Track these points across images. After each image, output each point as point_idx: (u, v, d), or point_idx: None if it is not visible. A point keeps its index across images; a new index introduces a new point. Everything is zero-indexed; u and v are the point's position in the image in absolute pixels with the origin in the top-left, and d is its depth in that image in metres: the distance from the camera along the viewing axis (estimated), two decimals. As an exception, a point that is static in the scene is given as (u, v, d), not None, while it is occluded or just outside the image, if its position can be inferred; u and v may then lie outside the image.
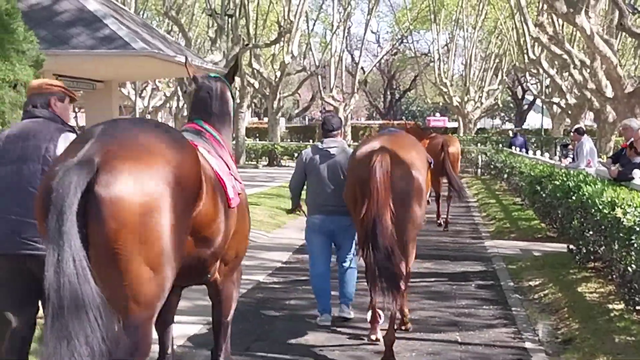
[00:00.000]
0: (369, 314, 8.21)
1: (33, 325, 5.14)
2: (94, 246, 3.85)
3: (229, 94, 5.66)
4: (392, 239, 7.01)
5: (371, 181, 7.10)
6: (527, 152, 28.00)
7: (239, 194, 5.15)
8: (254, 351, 7.58)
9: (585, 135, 17.77)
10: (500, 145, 39.54)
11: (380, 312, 8.00)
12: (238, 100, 42.18)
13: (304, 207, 9.03)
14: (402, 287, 7.30)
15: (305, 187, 8.89)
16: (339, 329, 8.49)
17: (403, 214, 7.33)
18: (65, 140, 5.01)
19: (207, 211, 4.52)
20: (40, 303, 5.09)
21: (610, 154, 19.90)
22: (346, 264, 8.74)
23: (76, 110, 64.55)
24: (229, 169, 5.14)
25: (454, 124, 55.51)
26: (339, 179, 8.37)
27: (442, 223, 17.68)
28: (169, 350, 5.44)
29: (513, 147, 32.03)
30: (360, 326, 8.59)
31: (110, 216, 3.84)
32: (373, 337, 7.89)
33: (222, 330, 5.53)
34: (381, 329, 7.90)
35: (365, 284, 7.56)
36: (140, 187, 3.92)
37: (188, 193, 4.21)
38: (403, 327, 8.33)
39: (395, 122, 63.97)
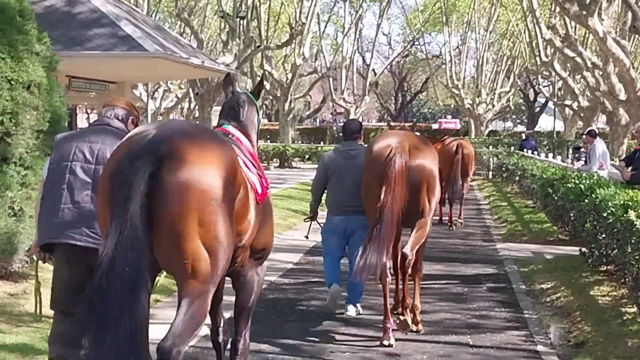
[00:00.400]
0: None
1: None
2: (159, 225, 4.35)
3: (254, 106, 6.10)
4: (392, 233, 7.70)
5: (389, 172, 7.65)
6: (538, 155, 28.16)
7: (266, 189, 5.55)
8: (265, 352, 7.58)
9: (598, 137, 17.72)
10: (512, 147, 39.44)
11: (391, 318, 8.13)
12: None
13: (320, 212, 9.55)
14: (418, 275, 8.41)
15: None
16: (350, 331, 8.48)
17: (416, 202, 7.94)
18: None
19: (242, 205, 4.97)
20: None
21: (623, 156, 19.84)
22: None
23: (88, 111, 64.78)
24: (256, 168, 5.51)
25: (453, 126, 55.16)
26: (358, 180, 8.52)
27: (449, 223, 18.08)
28: (221, 326, 5.84)
29: (525, 150, 32.38)
30: (372, 327, 8.59)
31: (177, 200, 4.34)
32: (386, 342, 7.97)
33: (243, 318, 5.80)
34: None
35: (377, 285, 8.06)
36: (202, 178, 4.41)
37: (233, 188, 4.71)
38: (415, 328, 8.46)
39: (407, 124, 64.01)
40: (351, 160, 8.84)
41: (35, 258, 6.22)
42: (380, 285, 8.04)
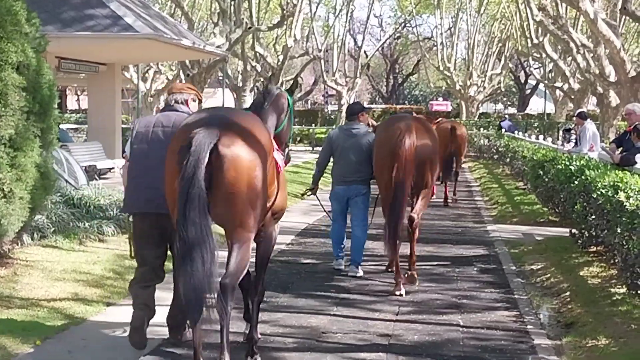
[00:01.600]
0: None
1: (163, 262, 6.99)
2: (218, 186, 5.69)
3: (283, 100, 7.16)
4: (405, 200, 9.46)
5: (400, 150, 9.22)
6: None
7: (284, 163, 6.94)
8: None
9: (588, 119, 17.74)
10: (503, 130, 39.51)
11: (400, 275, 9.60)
12: (240, 84, 42.17)
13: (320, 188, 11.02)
14: (416, 233, 9.99)
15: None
16: (342, 312, 8.51)
17: (422, 176, 9.61)
18: None
19: (271, 174, 6.26)
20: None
21: (613, 138, 19.87)
22: (357, 233, 10.53)
23: (78, 92, 64.56)
24: (277, 147, 6.72)
25: (444, 109, 55.14)
26: (359, 155, 10.21)
27: (444, 200, 19.08)
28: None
29: (502, 130, 35.14)
30: (364, 309, 8.64)
31: (233, 167, 5.70)
32: (398, 292, 9.32)
33: (262, 265, 7.03)
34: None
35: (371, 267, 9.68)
36: (250, 150, 5.79)
37: (267, 161, 6.03)
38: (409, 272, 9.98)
39: (398, 106, 63.96)
40: (353, 137, 10.28)
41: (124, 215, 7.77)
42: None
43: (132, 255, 7.12)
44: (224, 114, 6.09)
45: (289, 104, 7.25)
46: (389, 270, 10.41)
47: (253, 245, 6.37)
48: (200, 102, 7.42)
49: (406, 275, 9.83)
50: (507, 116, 44.07)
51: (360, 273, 10.35)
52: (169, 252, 6.95)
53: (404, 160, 9.23)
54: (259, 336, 7.06)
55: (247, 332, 6.91)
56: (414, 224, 9.89)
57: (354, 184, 10.32)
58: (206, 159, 5.52)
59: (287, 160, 7.33)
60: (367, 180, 10.39)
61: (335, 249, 10.86)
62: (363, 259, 10.65)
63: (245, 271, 6.08)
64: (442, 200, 19.05)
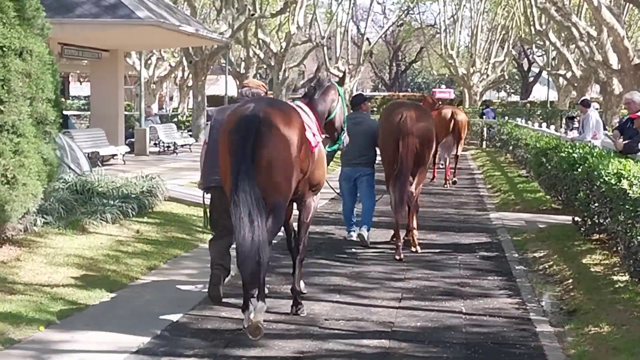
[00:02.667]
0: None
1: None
2: (259, 161, 6.82)
3: (334, 91, 8.54)
4: (408, 174, 10.77)
5: (403, 131, 10.63)
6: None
7: (317, 144, 7.84)
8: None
9: (592, 107, 17.71)
10: (506, 117, 39.49)
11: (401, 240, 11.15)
12: (243, 71, 42.09)
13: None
14: (414, 207, 11.33)
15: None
16: (345, 300, 8.52)
17: (422, 153, 10.91)
18: None
19: (304, 151, 7.41)
20: None
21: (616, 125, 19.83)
22: (366, 203, 11.98)
23: (81, 79, 64.50)
24: (310, 130, 7.71)
25: (447, 96, 55.14)
26: (363, 140, 11.54)
27: (445, 181, 20.52)
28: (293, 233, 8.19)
29: (484, 117, 37.28)
30: (365, 297, 8.66)
31: (272, 145, 6.90)
32: (397, 257, 10.74)
33: (304, 229, 8.09)
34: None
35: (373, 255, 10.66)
36: (283, 133, 6.99)
37: (300, 140, 7.24)
38: (413, 248, 11.31)
39: (401, 93, 63.86)
40: (358, 125, 11.38)
41: (201, 189, 8.69)
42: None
43: (207, 224, 8.49)
44: (265, 103, 7.30)
45: (339, 94, 8.63)
46: (393, 239, 11.48)
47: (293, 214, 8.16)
48: (266, 93, 8.82)
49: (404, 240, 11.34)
50: (487, 104, 45.04)
51: (365, 235, 11.63)
52: None
53: (406, 140, 10.62)
54: (301, 288, 8.26)
55: (291, 285, 8.04)
56: (412, 197, 11.21)
57: (360, 165, 11.80)
58: (250, 139, 6.76)
59: (341, 143, 8.91)
60: (372, 163, 11.97)
61: (347, 224, 12.34)
62: (363, 247, 11.58)
63: (279, 230, 7.37)
64: (442, 180, 20.63)
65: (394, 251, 11.07)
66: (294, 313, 7.81)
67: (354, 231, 12.12)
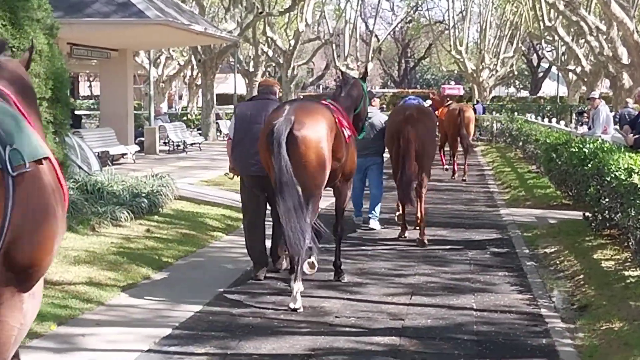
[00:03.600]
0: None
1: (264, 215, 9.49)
2: (294, 159, 7.84)
3: (358, 87, 9.65)
4: (413, 167, 11.57)
5: (405, 129, 11.57)
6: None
7: (349, 136, 8.91)
8: (269, 317, 7.63)
9: (602, 102, 17.65)
10: (516, 113, 39.45)
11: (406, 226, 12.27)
12: (252, 70, 42.13)
13: None
14: (422, 196, 12.04)
15: None
16: (355, 297, 8.52)
17: (423, 150, 11.73)
18: None
19: (338, 143, 8.52)
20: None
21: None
22: (374, 192, 13.15)
23: (90, 79, 64.64)
24: (343, 125, 8.80)
25: (457, 92, 55.14)
26: (373, 133, 12.61)
27: (453, 174, 21.64)
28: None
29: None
30: (376, 294, 8.66)
31: (302, 144, 7.99)
32: (402, 236, 12.15)
33: (339, 213, 9.35)
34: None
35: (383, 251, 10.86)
36: (315, 131, 8.10)
37: (332, 134, 8.33)
38: (420, 236, 11.81)
39: (410, 90, 63.79)
40: (368, 119, 11.73)
41: (230, 174, 9.76)
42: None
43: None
44: (296, 105, 8.31)
45: (362, 89, 9.72)
46: (398, 221, 12.74)
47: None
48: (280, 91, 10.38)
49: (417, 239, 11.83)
50: (477, 100, 45.44)
51: (378, 227, 12.91)
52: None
53: (407, 135, 11.55)
54: (341, 262, 9.43)
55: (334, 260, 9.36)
56: (421, 189, 12.03)
57: (369, 155, 12.64)
58: (284, 140, 7.79)
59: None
60: (380, 153, 13.09)
61: (355, 210, 13.41)
62: (374, 244, 11.76)
63: (316, 215, 8.51)
64: (450, 174, 21.80)
65: (404, 248, 11.30)
66: (336, 280, 9.22)
67: (361, 216, 13.38)
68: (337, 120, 8.61)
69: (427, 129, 11.95)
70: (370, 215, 12.98)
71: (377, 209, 13.04)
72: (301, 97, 10.79)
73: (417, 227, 11.92)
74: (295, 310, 7.82)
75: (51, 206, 3.75)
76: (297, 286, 7.94)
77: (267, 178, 8.41)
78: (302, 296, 8.04)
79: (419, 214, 11.93)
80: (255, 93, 39.25)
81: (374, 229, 12.71)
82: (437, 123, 17.79)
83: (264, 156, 8.26)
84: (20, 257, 3.64)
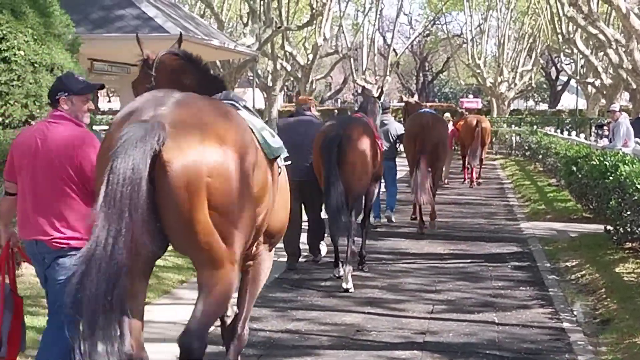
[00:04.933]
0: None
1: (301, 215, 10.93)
2: (346, 164, 9.40)
3: (377, 103, 11.23)
4: (427, 168, 13.34)
5: (420, 135, 13.36)
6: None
7: (381, 144, 10.63)
8: (291, 331, 7.62)
9: (623, 114, 17.56)
10: (535, 126, 39.34)
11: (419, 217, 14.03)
12: (270, 84, 42.25)
13: None
14: (432, 191, 13.57)
15: None
16: (376, 311, 8.51)
17: (437, 154, 13.65)
18: (318, 125, 10.69)
19: (373, 152, 9.95)
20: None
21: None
22: (390, 190, 15.06)
23: (110, 94, 65.00)
24: (377, 136, 10.35)
25: (475, 106, 55.04)
26: (388, 139, 13.98)
27: (470, 182, 23.27)
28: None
29: None
30: (398, 307, 8.64)
31: (350, 152, 9.45)
32: (413, 216, 14.84)
33: (368, 211, 10.93)
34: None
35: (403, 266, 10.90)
36: (361, 145, 9.57)
37: (373, 144, 9.95)
38: (428, 223, 14.08)
39: (428, 104, 63.75)
40: (384, 126, 13.59)
41: None
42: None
43: None
44: (345, 120, 10.68)
45: (378, 105, 11.29)
46: (413, 217, 14.74)
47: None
48: (315, 106, 11.84)
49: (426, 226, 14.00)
50: (465, 111, 45.92)
51: (391, 216, 15.03)
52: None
53: (422, 142, 13.28)
54: (365, 254, 10.82)
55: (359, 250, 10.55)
56: (432, 188, 13.59)
57: (385, 160, 12.67)
58: (334, 150, 9.33)
59: None
60: (394, 157, 14.70)
61: (374, 210, 13.74)
62: (395, 258, 11.77)
63: (361, 210, 10.41)
64: (467, 181, 23.46)
65: (425, 262, 11.36)
66: (359, 269, 10.47)
67: (379, 217, 14.76)
68: (374, 132, 10.16)
69: (440, 134, 13.84)
70: (388, 210, 15.02)
71: (393, 203, 15.25)
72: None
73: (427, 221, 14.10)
74: (347, 290, 9.30)
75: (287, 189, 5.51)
76: (348, 268, 9.43)
77: (307, 182, 10.01)
78: (323, 310, 8.04)
79: (430, 209, 14.13)
80: (274, 107, 39.81)
81: (392, 222, 14.95)
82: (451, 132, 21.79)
83: (316, 162, 9.82)
84: (277, 226, 5.28)
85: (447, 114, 24.97)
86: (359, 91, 55.89)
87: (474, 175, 23.42)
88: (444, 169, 20.41)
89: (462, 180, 24.00)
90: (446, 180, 22.87)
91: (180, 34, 6.51)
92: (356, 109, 11.81)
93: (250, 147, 4.52)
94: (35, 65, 8.77)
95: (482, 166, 24.54)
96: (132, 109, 4.31)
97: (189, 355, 4.28)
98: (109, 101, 68.30)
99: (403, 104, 16.26)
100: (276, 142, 5.08)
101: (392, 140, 14.44)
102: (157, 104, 4.25)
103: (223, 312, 5.05)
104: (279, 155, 5.14)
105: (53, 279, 5.21)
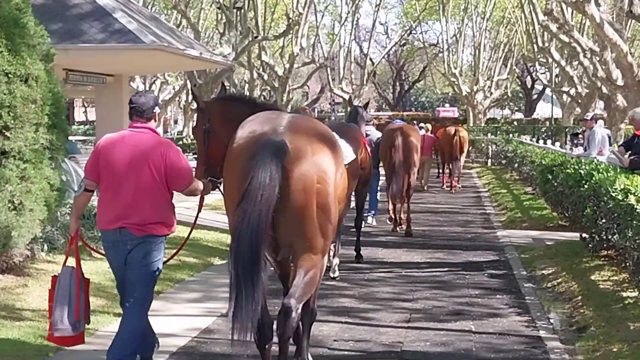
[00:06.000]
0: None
1: None
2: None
3: (362, 112, 12.17)
4: (404, 177, 14.41)
5: (395, 144, 14.17)
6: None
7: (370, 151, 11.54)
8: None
9: (598, 122, 17.65)
10: (510, 135, 39.56)
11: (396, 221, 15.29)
12: (247, 93, 42.20)
13: None
14: (409, 197, 15.09)
15: None
16: (354, 321, 8.50)
17: (410, 161, 14.51)
18: None
19: (365, 156, 10.85)
20: None
21: (621, 142, 19.79)
22: (374, 195, 15.85)
23: (86, 105, 64.74)
24: (365, 142, 11.06)
25: (451, 115, 55.13)
26: (372, 149, 13.65)
27: (450, 188, 24.51)
28: None
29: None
30: (375, 316, 8.63)
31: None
32: (394, 230, 15.23)
33: (360, 210, 12.29)
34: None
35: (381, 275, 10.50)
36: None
37: (361, 150, 10.62)
38: (405, 229, 15.05)
39: (405, 113, 63.91)
40: (367, 136, 13.39)
41: None
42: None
43: None
44: (336, 127, 9.51)
45: (362, 114, 12.15)
46: (389, 221, 15.50)
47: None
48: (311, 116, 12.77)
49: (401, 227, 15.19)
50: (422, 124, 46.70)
51: (372, 220, 16.15)
52: None
53: (398, 149, 14.12)
54: (360, 248, 12.05)
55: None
56: (407, 191, 14.87)
57: None
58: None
59: None
60: (377, 165, 14.88)
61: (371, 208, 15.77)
62: (372, 267, 11.78)
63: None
64: (447, 187, 24.85)
65: (402, 271, 11.37)
66: (356, 262, 11.84)
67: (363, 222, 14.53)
68: (363, 139, 10.88)
69: (412, 141, 14.67)
70: (368, 215, 15.75)
71: (375, 206, 16.31)
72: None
73: (404, 225, 15.11)
74: (334, 279, 10.35)
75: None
76: (336, 261, 10.47)
77: None
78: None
79: (404, 215, 15.26)
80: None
81: (370, 222, 15.96)
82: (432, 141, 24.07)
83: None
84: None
85: (428, 125, 26.19)
86: (336, 100, 56.07)
87: (452, 179, 24.74)
88: (424, 175, 24.17)
89: (441, 185, 25.74)
90: (425, 187, 24.36)
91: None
92: (333, 118, 12.59)
93: (340, 157, 6.01)
94: (10, 75, 8.71)
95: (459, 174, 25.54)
96: (254, 129, 5.71)
97: (286, 315, 5.54)
98: (85, 112, 68.00)
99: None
100: (347, 150, 7.38)
101: (373, 147, 14.56)
102: (274, 124, 5.67)
103: (312, 291, 5.99)
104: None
105: (136, 262, 6.27)
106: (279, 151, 5.39)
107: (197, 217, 7.30)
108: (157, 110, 6.51)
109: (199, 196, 6.85)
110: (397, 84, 79.78)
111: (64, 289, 6.47)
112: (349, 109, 20.52)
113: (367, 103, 13.53)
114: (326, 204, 5.57)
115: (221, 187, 6.70)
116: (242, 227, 5.25)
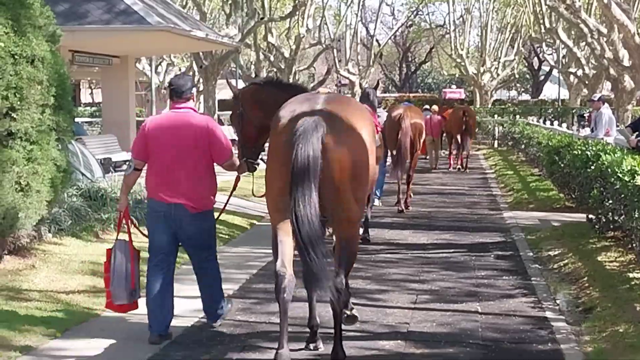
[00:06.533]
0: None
1: None
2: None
3: (373, 95, 12.29)
4: (407, 156, 14.72)
5: (401, 127, 14.48)
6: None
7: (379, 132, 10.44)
8: (274, 323, 7.60)
9: (605, 104, 17.61)
10: (517, 116, 39.46)
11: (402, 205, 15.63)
12: (253, 75, 42.15)
13: None
14: (410, 177, 16.04)
15: None
16: (360, 302, 8.49)
17: (416, 145, 15.23)
18: None
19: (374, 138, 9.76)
20: None
21: (629, 122, 19.74)
22: (379, 177, 14.46)
23: (92, 86, 64.69)
24: (377, 124, 10.40)
25: (458, 96, 54.98)
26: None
27: (461, 168, 25.06)
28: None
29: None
30: (381, 297, 8.64)
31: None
32: (399, 208, 15.58)
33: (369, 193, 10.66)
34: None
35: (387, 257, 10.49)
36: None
37: (373, 132, 8.70)
38: (407, 204, 15.87)
39: (411, 94, 63.80)
40: (378, 118, 13.23)
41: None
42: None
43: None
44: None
45: (375, 94, 12.38)
46: (396, 204, 15.71)
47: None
48: None
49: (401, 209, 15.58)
50: (407, 100, 46.16)
51: (378, 202, 15.75)
52: None
53: (404, 132, 14.44)
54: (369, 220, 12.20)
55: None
56: (410, 172, 15.79)
57: None
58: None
59: None
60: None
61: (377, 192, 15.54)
62: (379, 249, 11.66)
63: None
64: (454, 169, 25.30)
65: (408, 252, 11.42)
66: (363, 237, 11.54)
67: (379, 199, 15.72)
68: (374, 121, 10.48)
69: (420, 122, 15.39)
70: (374, 196, 14.99)
71: (379, 191, 15.91)
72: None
73: (406, 206, 15.76)
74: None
75: None
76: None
77: None
78: (306, 301, 8.04)
79: (407, 193, 15.94)
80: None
81: (376, 205, 15.40)
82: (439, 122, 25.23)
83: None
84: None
85: (435, 107, 26.83)
86: (342, 82, 55.99)
87: (461, 159, 25.27)
88: (433, 154, 25.55)
89: (448, 167, 25.79)
90: (436, 166, 25.49)
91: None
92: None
93: (372, 127, 6.53)
94: (16, 57, 8.68)
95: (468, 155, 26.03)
96: (294, 108, 6.19)
97: (339, 292, 6.17)
98: (91, 93, 67.97)
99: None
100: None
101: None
102: (312, 102, 6.21)
103: (354, 259, 6.75)
104: None
105: (188, 236, 7.03)
106: (318, 125, 5.89)
107: (232, 192, 7.79)
108: (194, 91, 7.11)
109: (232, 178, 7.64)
110: (404, 65, 79.56)
111: (119, 261, 7.08)
112: (355, 89, 21.57)
113: (377, 84, 13.71)
114: (362, 175, 6.12)
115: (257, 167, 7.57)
116: (297, 195, 5.73)
